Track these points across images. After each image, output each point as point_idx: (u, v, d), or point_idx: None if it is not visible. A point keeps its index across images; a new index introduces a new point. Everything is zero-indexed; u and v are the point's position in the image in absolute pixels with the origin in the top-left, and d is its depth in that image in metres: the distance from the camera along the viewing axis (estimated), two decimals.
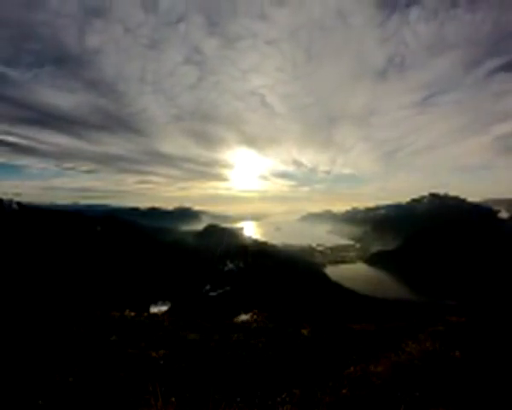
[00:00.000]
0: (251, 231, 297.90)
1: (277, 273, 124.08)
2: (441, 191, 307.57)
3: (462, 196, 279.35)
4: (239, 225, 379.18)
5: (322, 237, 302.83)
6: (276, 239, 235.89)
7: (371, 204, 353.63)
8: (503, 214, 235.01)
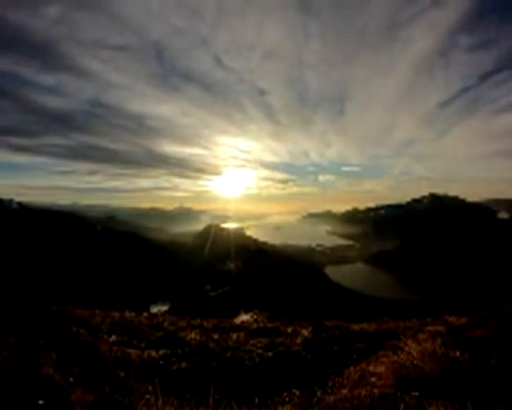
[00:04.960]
0: (251, 231, 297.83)
1: (277, 273, 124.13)
2: (441, 191, 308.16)
3: (462, 196, 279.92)
4: (239, 225, 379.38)
5: (322, 237, 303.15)
6: (276, 239, 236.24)
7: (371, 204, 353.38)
8: (503, 214, 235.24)
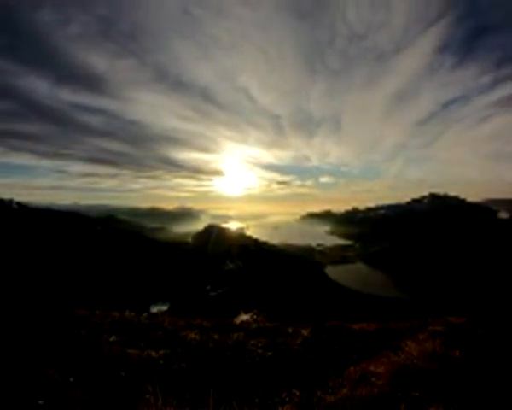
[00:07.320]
0: (251, 230, 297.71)
1: (277, 273, 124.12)
2: (441, 191, 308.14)
3: (462, 196, 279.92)
4: (239, 224, 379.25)
5: (322, 237, 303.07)
6: (276, 239, 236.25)
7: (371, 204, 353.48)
8: (503, 214, 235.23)
